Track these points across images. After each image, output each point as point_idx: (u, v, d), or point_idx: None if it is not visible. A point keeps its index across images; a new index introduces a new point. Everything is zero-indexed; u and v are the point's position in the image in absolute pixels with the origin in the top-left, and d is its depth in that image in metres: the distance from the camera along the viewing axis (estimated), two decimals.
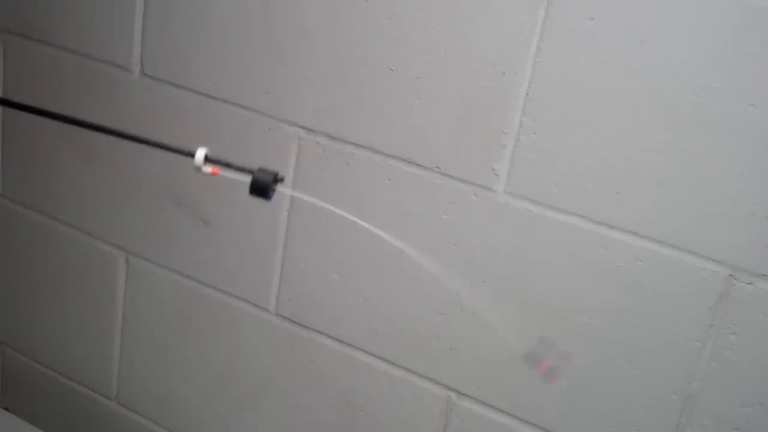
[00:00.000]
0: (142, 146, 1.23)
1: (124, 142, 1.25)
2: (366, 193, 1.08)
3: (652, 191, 0.92)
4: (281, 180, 0.79)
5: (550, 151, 0.96)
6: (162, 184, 1.24)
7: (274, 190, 0.80)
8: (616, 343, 0.97)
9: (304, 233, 1.14)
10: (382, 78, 1.04)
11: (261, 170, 0.78)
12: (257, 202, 1.16)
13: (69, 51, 1.26)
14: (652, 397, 0.97)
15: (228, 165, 0.80)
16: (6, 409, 1.38)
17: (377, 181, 1.07)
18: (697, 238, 0.91)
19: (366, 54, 1.04)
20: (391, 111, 1.04)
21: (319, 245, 1.14)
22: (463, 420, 1.09)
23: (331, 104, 1.08)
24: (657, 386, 0.97)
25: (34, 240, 1.41)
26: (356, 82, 1.06)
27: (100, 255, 1.34)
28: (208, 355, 1.28)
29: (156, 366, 1.34)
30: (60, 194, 1.35)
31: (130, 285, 1.32)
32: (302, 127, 1.10)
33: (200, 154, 0.79)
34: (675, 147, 0.89)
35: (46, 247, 1.39)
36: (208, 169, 0.80)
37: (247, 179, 0.79)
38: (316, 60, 1.07)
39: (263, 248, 1.18)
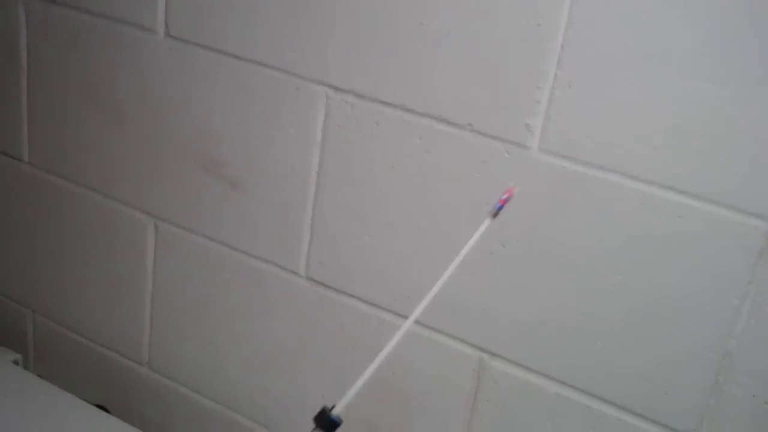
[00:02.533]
0: (168, 109, 1.23)
1: (150, 105, 1.24)
2: (397, 153, 1.07)
3: (690, 145, 0.89)
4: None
5: (586, 106, 0.94)
6: (189, 148, 1.23)
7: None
8: (652, 302, 0.96)
9: (334, 195, 1.13)
10: (412, 33, 1.02)
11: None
12: (286, 165, 1.15)
13: (92, 14, 1.25)
14: (688, 355, 0.95)
15: None
16: (39, 376, 1.39)
17: (408, 140, 1.05)
18: (737, 192, 0.89)
19: (394, 8, 1.02)
20: (422, 68, 1.02)
21: (350, 207, 1.12)
22: (496, 381, 1.08)
23: (359, 62, 1.06)
24: (694, 344, 0.95)
25: (62, 207, 1.40)
26: (385, 38, 1.04)
27: (129, 221, 1.33)
28: (239, 319, 1.27)
29: (187, 331, 1.33)
30: (87, 160, 1.35)
31: (159, 251, 1.32)
32: (330, 86, 1.09)
33: None
34: (715, 98, 0.87)
35: (75, 214, 1.39)
36: None
37: None
38: (343, 16, 1.06)
39: (292, 211, 1.17)
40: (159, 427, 1.37)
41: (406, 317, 1.11)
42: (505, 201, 0.81)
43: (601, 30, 0.91)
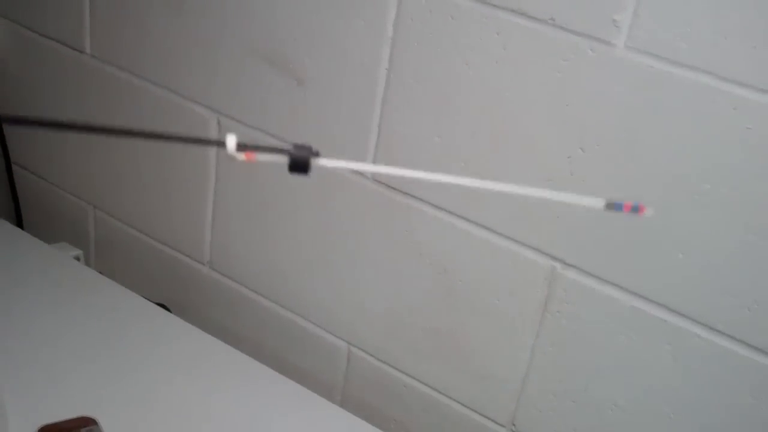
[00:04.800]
0: (233, 1, 1.18)
1: None
2: (472, 49, 1.01)
3: None
4: (317, 155, 0.65)
5: (678, 1, 0.87)
6: (254, 41, 1.19)
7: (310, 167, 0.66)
8: (741, 213, 0.90)
9: (404, 93, 1.08)
10: None
11: (297, 147, 0.64)
12: (355, 61, 1.11)
13: None
14: None
15: (262, 149, 0.69)
16: (100, 272, 1.38)
17: (484, 35, 1.00)
18: None
19: None
20: None
21: (420, 106, 1.08)
22: (567, 291, 1.04)
23: None
24: None
25: (124, 101, 1.38)
26: None
27: (191, 117, 1.30)
28: (302, 220, 1.25)
29: (249, 231, 1.31)
30: (149, 53, 1.31)
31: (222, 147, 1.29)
32: None
33: (231, 142, 0.67)
34: None
35: (137, 108, 1.37)
36: (242, 156, 0.69)
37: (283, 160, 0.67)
38: None
39: (360, 109, 1.13)
40: (219, 327, 1.37)
41: (475, 222, 1.08)
42: None
43: None
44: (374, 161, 1.14)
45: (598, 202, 0.60)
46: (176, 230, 1.41)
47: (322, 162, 0.66)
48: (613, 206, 0.61)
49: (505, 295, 1.09)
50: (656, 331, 0.99)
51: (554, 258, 1.04)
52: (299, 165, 0.64)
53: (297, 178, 1.22)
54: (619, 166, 0.96)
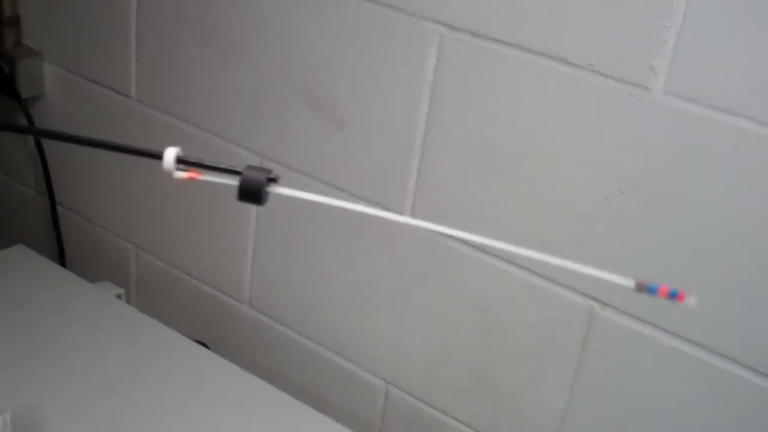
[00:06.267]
0: (276, 44, 1.21)
1: (259, 40, 1.23)
2: (511, 95, 1.03)
3: None
4: (276, 180, 0.63)
5: (716, 47, 0.89)
6: (297, 85, 1.22)
7: (267, 193, 0.63)
8: None
9: (444, 137, 1.11)
10: None
11: (251, 169, 0.61)
12: (395, 105, 1.13)
13: None
14: None
15: (208, 167, 0.63)
16: (140, 310, 1.41)
17: (524, 81, 1.02)
18: None
19: None
20: (541, 4, 0.98)
21: (459, 149, 1.10)
22: (605, 331, 1.05)
23: None
24: None
25: (168, 145, 1.40)
26: None
27: (233, 159, 1.33)
28: (343, 261, 1.27)
29: (289, 270, 1.33)
30: (194, 97, 1.34)
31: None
32: (444, 24, 1.06)
33: (170, 155, 0.62)
34: None
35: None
36: (182, 174, 0.63)
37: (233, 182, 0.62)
38: None
39: (400, 152, 1.15)
40: (257, 365, 1.38)
41: (513, 262, 1.10)
42: None
43: None
44: (413, 203, 1.16)
45: (627, 282, 0.58)
46: (216, 269, 1.43)
47: (280, 190, 0.62)
48: (645, 289, 0.58)
49: (544, 335, 1.10)
50: (695, 371, 1.00)
51: (593, 298, 1.05)
52: (250, 192, 0.60)
53: (335, 218, 1.24)
54: (656, 209, 0.97)
